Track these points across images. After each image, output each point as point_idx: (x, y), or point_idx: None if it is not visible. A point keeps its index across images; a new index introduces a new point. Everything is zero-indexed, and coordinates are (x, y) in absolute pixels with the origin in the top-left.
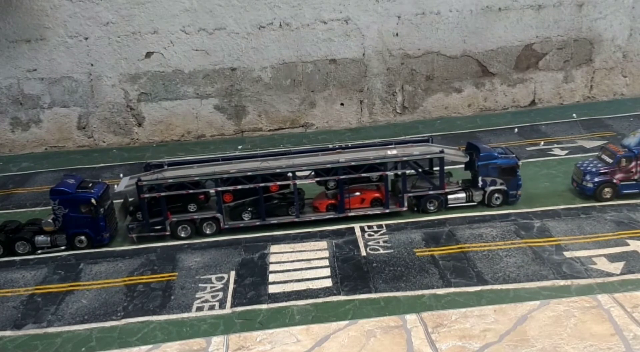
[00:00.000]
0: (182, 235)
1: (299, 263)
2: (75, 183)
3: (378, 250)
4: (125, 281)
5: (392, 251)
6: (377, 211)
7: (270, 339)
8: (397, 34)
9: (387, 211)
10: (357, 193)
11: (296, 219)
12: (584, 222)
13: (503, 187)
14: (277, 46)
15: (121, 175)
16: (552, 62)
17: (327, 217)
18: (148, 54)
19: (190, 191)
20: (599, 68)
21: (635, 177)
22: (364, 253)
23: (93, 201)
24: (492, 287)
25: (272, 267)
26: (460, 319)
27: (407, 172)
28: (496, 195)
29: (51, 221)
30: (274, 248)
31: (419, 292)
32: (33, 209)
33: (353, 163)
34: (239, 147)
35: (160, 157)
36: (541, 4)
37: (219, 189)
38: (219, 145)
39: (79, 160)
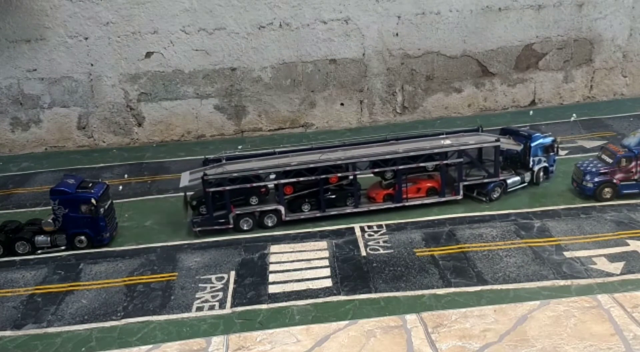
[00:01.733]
0: (245, 228)
1: (299, 263)
2: (75, 183)
3: (378, 250)
4: (125, 281)
5: (392, 251)
6: (433, 200)
7: (270, 339)
8: (397, 34)
9: (443, 199)
10: (411, 183)
11: (355, 210)
12: (584, 222)
13: (546, 164)
14: (277, 46)
15: (188, 173)
16: (552, 62)
17: (385, 207)
18: (148, 54)
19: (255, 184)
20: (599, 68)
21: (635, 177)
22: (364, 253)
23: (93, 201)
24: (492, 287)
25: (272, 267)
26: (460, 319)
27: (457, 161)
28: (542, 172)
29: (51, 221)
30: (274, 248)
31: (419, 292)
32: (33, 209)
33: (412, 153)
34: (239, 147)
35: (161, 157)
36: (541, 4)
37: (282, 181)
38: (218, 145)
39: (79, 160)
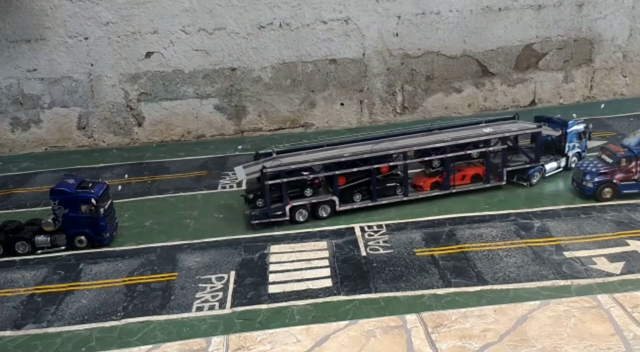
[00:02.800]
0: (300, 219)
1: (299, 263)
2: (75, 183)
3: (378, 250)
4: (125, 281)
5: (392, 251)
6: (478, 186)
7: (270, 339)
8: (397, 34)
9: (488, 185)
10: (457, 171)
11: (405, 198)
12: (584, 222)
13: (579, 149)
14: (277, 46)
15: (241, 167)
16: (552, 62)
17: (433, 194)
18: (148, 54)
19: (312, 175)
20: (599, 68)
21: (635, 177)
22: (364, 253)
23: (93, 201)
24: (492, 287)
25: (272, 267)
26: (460, 319)
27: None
28: (574, 157)
29: (51, 221)
30: (273, 248)
31: (419, 292)
32: (33, 209)
33: (460, 141)
34: (239, 147)
35: (161, 157)
36: (541, 4)
37: (337, 172)
38: (218, 145)
39: (79, 160)
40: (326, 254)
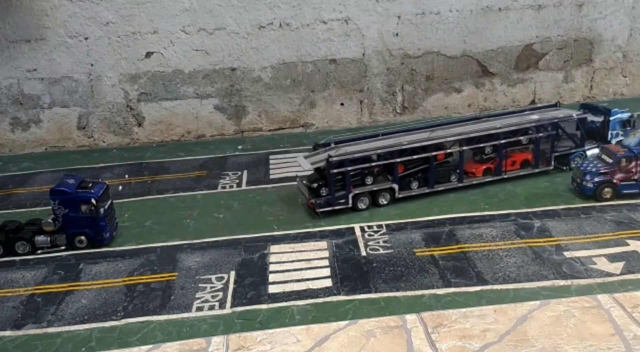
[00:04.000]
0: (361, 206)
1: (299, 263)
2: (75, 183)
3: (378, 250)
4: (125, 281)
5: (392, 251)
6: (528, 172)
7: (270, 339)
8: (397, 34)
9: (537, 170)
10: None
11: (459, 185)
12: (584, 222)
13: (622, 137)
14: (277, 46)
15: (303, 158)
16: (552, 62)
17: (486, 180)
18: (148, 54)
19: (373, 163)
20: (599, 68)
21: (635, 177)
22: (364, 253)
23: (93, 201)
24: (492, 287)
25: (272, 267)
26: (460, 319)
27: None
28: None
29: (51, 221)
30: (273, 248)
31: (419, 292)
32: (33, 209)
33: (513, 128)
34: (239, 147)
35: (161, 157)
36: (541, 4)
37: (398, 160)
38: (218, 145)
39: (79, 160)
40: (326, 254)
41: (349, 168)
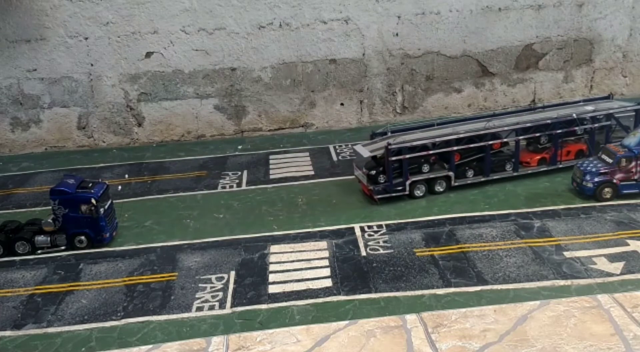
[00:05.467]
0: (418, 194)
1: (299, 263)
2: (75, 183)
3: (378, 250)
4: (125, 281)
5: (392, 251)
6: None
7: (270, 339)
8: (397, 34)
9: None
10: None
11: (514, 174)
12: (584, 222)
13: None
14: (277, 46)
15: (361, 146)
16: (552, 62)
17: (541, 170)
18: (148, 54)
19: (431, 152)
20: (599, 68)
21: (635, 177)
22: (364, 253)
23: (93, 201)
24: (492, 287)
25: (272, 267)
26: (460, 319)
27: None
28: None
29: (51, 221)
30: (274, 248)
31: (419, 292)
32: (33, 209)
33: (569, 118)
34: (239, 147)
35: (161, 157)
36: (541, 4)
37: (455, 148)
38: (218, 145)
39: (79, 160)
40: (326, 254)
41: (407, 156)
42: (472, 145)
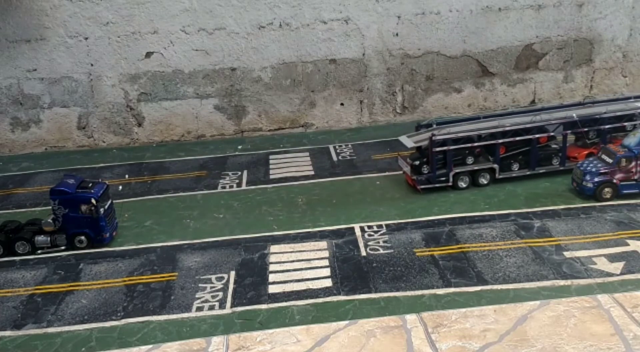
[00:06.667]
0: (461, 185)
1: (299, 263)
2: (75, 183)
3: (378, 250)
4: (125, 281)
5: (392, 251)
6: None
7: (270, 339)
8: (397, 34)
9: None
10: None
11: (561, 168)
12: (584, 222)
13: None
14: (277, 46)
15: (406, 137)
16: (552, 62)
17: None
18: (148, 54)
19: (475, 144)
20: (599, 68)
21: (635, 177)
22: (364, 253)
23: (93, 201)
24: (492, 287)
25: (272, 267)
26: (460, 319)
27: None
28: None
29: (51, 221)
30: (274, 248)
31: (419, 292)
32: (33, 209)
33: (619, 113)
34: (239, 147)
35: (161, 157)
36: (541, 4)
37: (500, 141)
38: (218, 145)
39: (79, 160)
40: (326, 254)
41: (451, 147)
42: (518, 139)
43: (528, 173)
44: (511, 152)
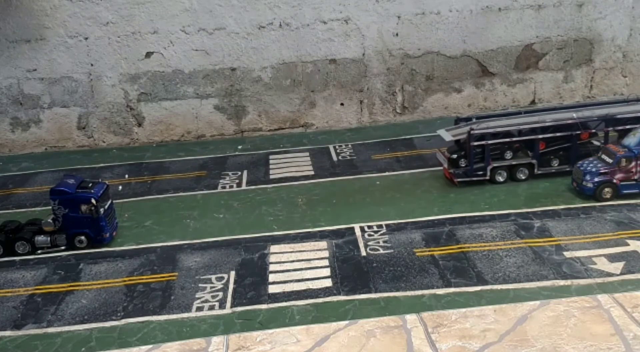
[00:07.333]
0: (499, 179)
1: (299, 263)
2: (75, 183)
3: (378, 250)
4: (125, 281)
5: (392, 251)
6: None
7: (270, 339)
8: (397, 34)
9: None
10: None
11: None
12: (584, 222)
13: None
14: (277, 46)
15: (444, 130)
16: (552, 62)
17: None
18: (148, 54)
19: (515, 139)
20: (599, 68)
21: (635, 177)
22: (364, 253)
23: (93, 201)
24: (492, 287)
25: (272, 267)
26: (460, 319)
27: None
28: None
29: (51, 221)
30: (273, 248)
31: (419, 292)
32: (33, 209)
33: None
34: (239, 147)
35: (161, 157)
36: (541, 4)
37: (539, 136)
38: (218, 145)
39: (79, 160)
40: (326, 254)
41: (490, 141)
42: (558, 134)
43: (568, 169)
44: (551, 148)
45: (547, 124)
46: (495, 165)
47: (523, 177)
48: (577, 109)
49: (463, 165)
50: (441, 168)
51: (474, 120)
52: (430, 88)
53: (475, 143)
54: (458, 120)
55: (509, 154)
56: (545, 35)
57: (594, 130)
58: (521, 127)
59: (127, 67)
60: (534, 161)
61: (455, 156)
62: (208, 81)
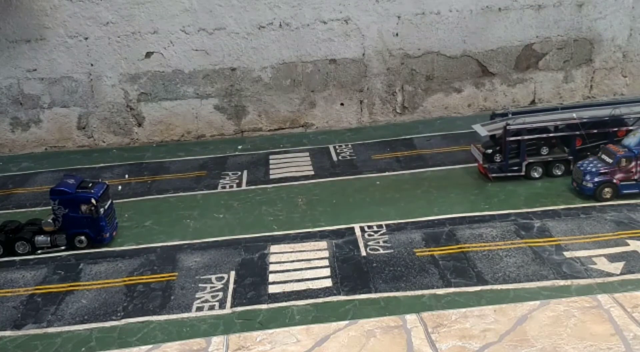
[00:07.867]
0: (534, 175)
1: (299, 263)
2: (75, 183)
3: (378, 250)
4: (125, 281)
5: (392, 251)
6: None
7: (270, 339)
8: (397, 34)
9: None
10: None
11: None
12: (584, 222)
13: None
14: (277, 46)
15: (480, 125)
16: (552, 62)
17: None
18: (148, 54)
19: (551, 134)
20: (599, 68)
21: (635, 177)
22: (364, 253)
23: (93, 201)
24: (492, 287)
25: (272, 267)
26: (460, 319)
27: None
28: None
29: (51, 221)
30: (274, 248)
31: (419, 292)
32: (33, 209)
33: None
34: (239, 147)
35: (161, 157)
36: (541, 4)
37: (576, 133)
38: (218, 145)
39: (79, 160)
40: (326, 254)
41: (525, 137)
42: (595, 131)
43: None
44: (588, 145)
45: (584, 120)
46: (530, 160)
47: (559, 173)
48: (615, 106)
49: (498, 160)
50: (441, 168)
51: (510, 115)
52: (430, 88)
53: (511, 138)
54: (494, 116)
55: (545, 150)
56: (545, 35)
57: (631, 127)
58: (558, 123)
59: (127, 67)
60: (570, 158)
61: (490, 151)
62: (208, 81)
